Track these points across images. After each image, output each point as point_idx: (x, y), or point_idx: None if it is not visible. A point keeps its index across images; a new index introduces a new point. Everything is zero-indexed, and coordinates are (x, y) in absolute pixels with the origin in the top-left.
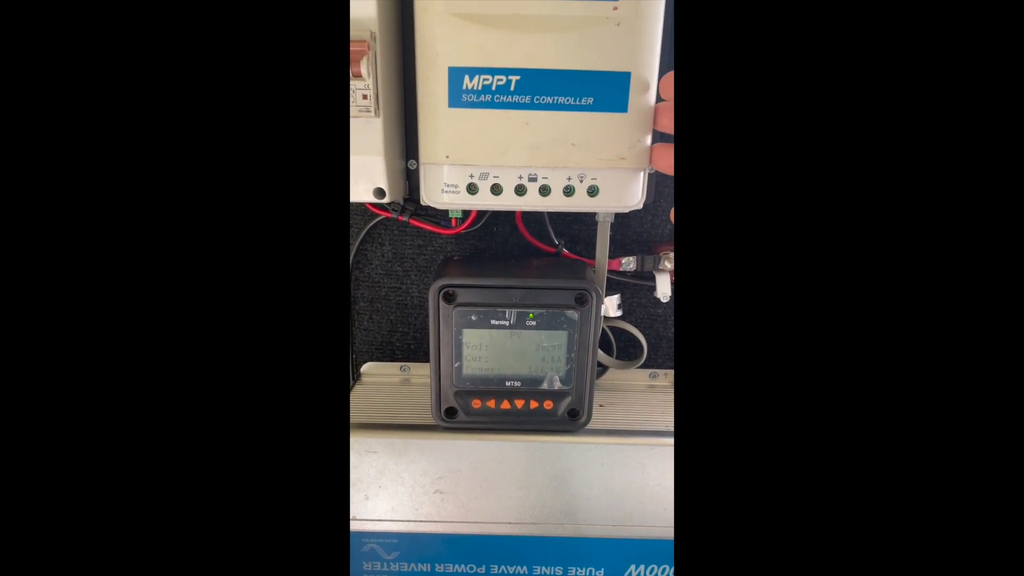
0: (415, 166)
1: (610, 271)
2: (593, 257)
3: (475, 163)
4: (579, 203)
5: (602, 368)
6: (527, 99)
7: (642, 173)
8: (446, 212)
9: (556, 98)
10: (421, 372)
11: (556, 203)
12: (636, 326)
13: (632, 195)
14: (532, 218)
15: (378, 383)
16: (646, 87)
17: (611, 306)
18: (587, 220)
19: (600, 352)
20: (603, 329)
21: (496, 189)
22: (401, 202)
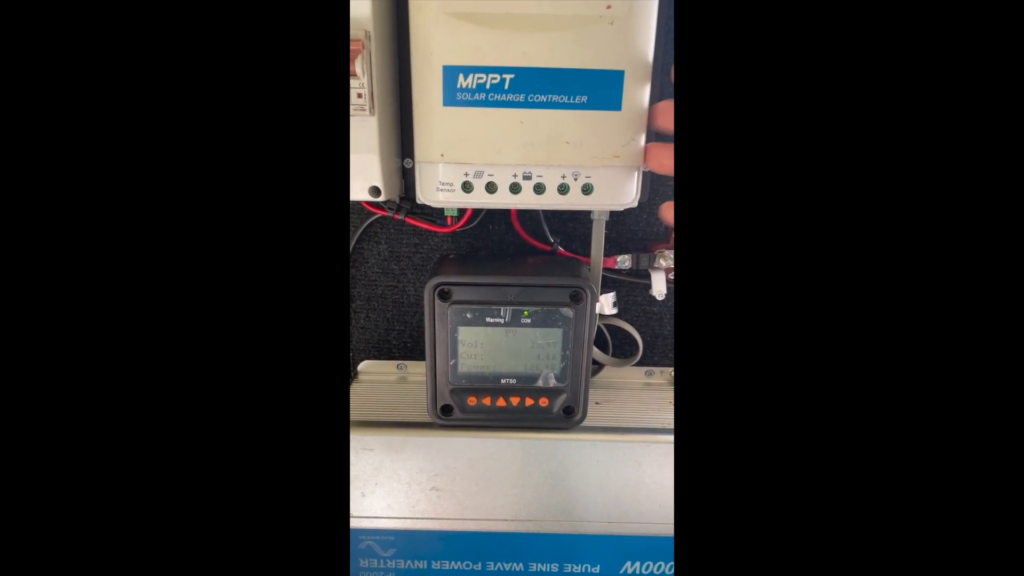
0: (411, 165)
1: (605, 269)
2: (588, 255)
3: (470, 161)
4: (574, 201)
5: (598, 366)
6: (521, 97)
7: (636, 171)
8: (442, 210)
9: (550, 96)
10: (418, 370)
11: (551, 201)
12: (632, 324)
13: (626, 193)
14: (527, 216)
15: (375, 381)
16: (640, 85)
17: (606, 304)
18: (582, 218)
19: (595, 350)
20: (599, 327)
21: (491, 187)
22: (397, 200)
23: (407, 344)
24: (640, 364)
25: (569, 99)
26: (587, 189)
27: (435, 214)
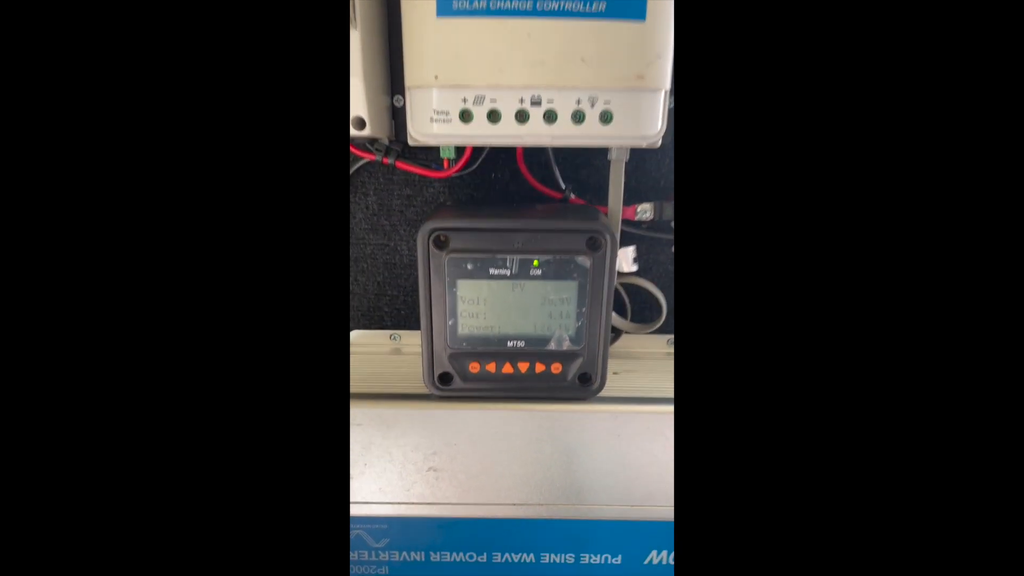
0: (401, 103)
1: (624, 220)
2: (604, 204)
3: (469, 83)
4: (590, 132)
5: (616, 332)
6: (528, 5)
7: (662, 96)
8: (437, 153)
9: (563, 3)
10: (414, 340)
11: (564, 132)
12: (654, 284)
13: (651, 123)
14: (535, 161)
15: (365, 353)
16: None
17: (625, 260)
18: (598, 163)
19: (613, 315)
20: (616, 287)
21: (494, 116)
22: (386, 143)
23: (401, 312)
24: (661, 331)
25: (585, 7)
26: (606, 117)
27: (429, 157)
